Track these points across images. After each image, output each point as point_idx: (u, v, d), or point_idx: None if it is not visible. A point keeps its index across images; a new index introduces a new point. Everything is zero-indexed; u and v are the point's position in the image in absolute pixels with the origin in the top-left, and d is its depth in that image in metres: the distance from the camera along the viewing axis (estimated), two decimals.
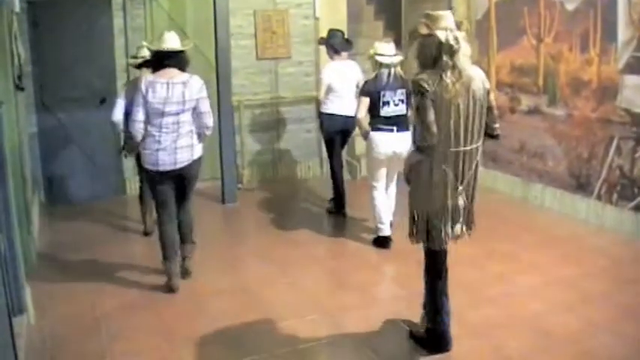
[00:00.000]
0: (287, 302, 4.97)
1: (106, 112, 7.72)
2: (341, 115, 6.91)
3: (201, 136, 5.15)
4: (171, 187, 5.17)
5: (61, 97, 7.59)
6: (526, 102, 7.34)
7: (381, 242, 6.07)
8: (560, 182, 6.93)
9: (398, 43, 10.42)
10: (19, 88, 6.07)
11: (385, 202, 6.08)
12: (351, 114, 6.87)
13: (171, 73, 4.94)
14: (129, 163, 7.94)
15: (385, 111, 5.79)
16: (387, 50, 5.87)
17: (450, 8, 8.51)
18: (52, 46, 7.48)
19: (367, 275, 5.48)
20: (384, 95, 5.77)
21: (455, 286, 4.86)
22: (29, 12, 7.27)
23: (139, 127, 4.92)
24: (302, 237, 6.50)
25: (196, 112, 5.02)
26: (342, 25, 8.49)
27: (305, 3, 8.57)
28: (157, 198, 5.23)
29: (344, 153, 7.44)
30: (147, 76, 4.97)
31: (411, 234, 4.06)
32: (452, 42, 3.67)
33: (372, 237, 6.19)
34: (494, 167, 7.82)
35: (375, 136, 5.80)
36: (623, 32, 6.06)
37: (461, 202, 3.88)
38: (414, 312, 4.32)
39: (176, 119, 4.92)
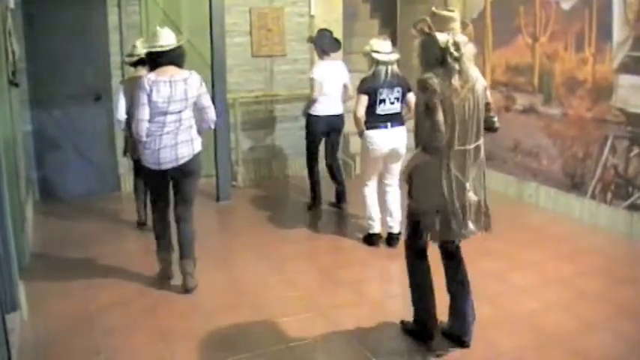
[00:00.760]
0: (281, 299, 4.97)
1: (101, 109, 7.79)
2: (327, 116, 6.94)
3: (203, 131, 5.14)
4: (169, 183, 5.14)
5: (56, 94, 7.57)
6: (521, 101, 7.35)
7: (372, 240, 6.07)
8: (555, 181, 6.95)
9: (393, 41, 10.47)
10: (13, 84, 6.05)
11: (376, 200, 6.07)
12: (337, 113, 6.97)
13: (172, 71, 4.89)
14: (123, 160, 7.93)
15: (381, 109, 5.79)
16: (383, 47, 5.86)
17: (447, 8, 8.51)
18: (46, 43, 7.45)
19: (361, 273, 5.48)
20: (381, 93, 5.77)
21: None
22: (24, 8, 7.23)
23: (145, 127, 4.85)
24: (296, 234, 6.50)
25: (198, 108, 5.00)
26: (337, 23, 8.50)
27: (300, 1, 8.57)
28: (153, 193, 5.22)
29: (339, 152, 7.46)
30: (148, 75, 4.90)
31: (410, 232, 4.09)
32: (451, 48, 3.66)
33: (358, 235, 6.20)
34: (489, 166, 7.73)
35: (371, 133, 5.80)
36: (618, 32, 6.07)
37: (473, 198, 3.89)
38: (409, 309, 4.32)
39: (178, 117, 4.89)
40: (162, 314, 4.75)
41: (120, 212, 7.26)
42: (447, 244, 4.07)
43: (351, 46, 9.77)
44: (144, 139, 4.89)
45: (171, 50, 4.90)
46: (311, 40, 7.17)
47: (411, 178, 3.98)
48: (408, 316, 4.31)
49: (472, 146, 3.83)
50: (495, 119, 4.07)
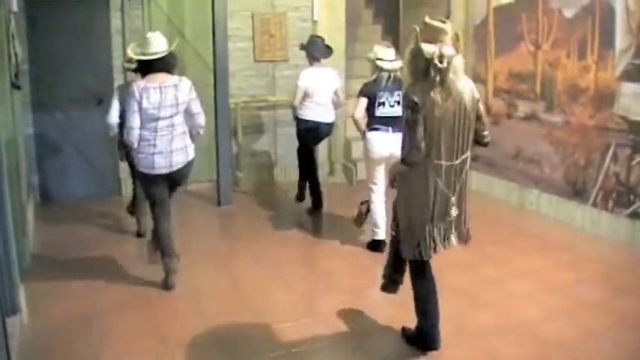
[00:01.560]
0: (281, 304, 4.96)
1: (103, 113, 7.77)
2: (317, 122, 6.95)
3: (193, 137, 5.17)
4: (166, 187, 5.18)
5: (58, 97, 7.58)
6: (523, 108, 7.35)
7: (376, 246, 6.06)
8: (557, 189, 6.94)
9: (396, 47, 10.47)
10: (15, 86, 6.05)
11: (382, 206, 6.06)
12: (328, 120, 6.98)
13: (162, 77, 4.92)
14: (124, 164, 7.93)
15: (381, 111, 5.80)
16: (387, 55, 5.88)
17: (449, 13, 8.53)
18: (49, 46, 7.46)
19: (361, 278, 5.46)
20: (380, 97, 5.78)
21: (450, 291, 4.88)
22: (27, 11, 7.24)
23: (136, 135, 4.90)
24: (297, 239, 6.49)
25: (188, 113, 5.05)
26: (340, 28, 8.51)
27: (303, 6, 8.57)
28: (152, 199, 5.23)
29: (340, 157, 7.47)
30: (138, 82, 4.92)
31: (393, 242, 4.13)
32: (436, 60, 3.63)
33: (367, 240, 6.18)
34: (491, 173, 7.83)
35: (371, 135, 5.82)
36: (620, 40, 6.07)
37: (453, 212, 3.88)
38: (409, 315, 4.31)
39: (170, 122, 4.93)
40: (163, 318, 4.74)
41: (120, 216, 7.25)
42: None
43: (354, 51, 9.78)
44: (135, 145, 4.95)
45: (162, 57, 4.94)
46: (302, 47, 7.15)
47: (397, 188, 4.00)
48: (409, 322, 4.30)
49: (458, 161, 3.81)
50: (485, 133, 4.00)
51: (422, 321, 4.17)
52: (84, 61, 7.64)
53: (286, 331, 4.51)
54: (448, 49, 3.70)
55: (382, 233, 6.04)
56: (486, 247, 6.00)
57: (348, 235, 6.58)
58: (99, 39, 7.70)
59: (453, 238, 3.97)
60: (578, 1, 6.48)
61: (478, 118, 3.90)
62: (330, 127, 7.09)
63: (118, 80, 7.72)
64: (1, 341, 3.52)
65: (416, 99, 3.65)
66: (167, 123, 4.92)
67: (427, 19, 3.81)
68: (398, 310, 4.70)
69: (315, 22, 8.60)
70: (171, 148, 4.95)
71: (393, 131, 5.76)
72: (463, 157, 3.83)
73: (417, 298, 4.18)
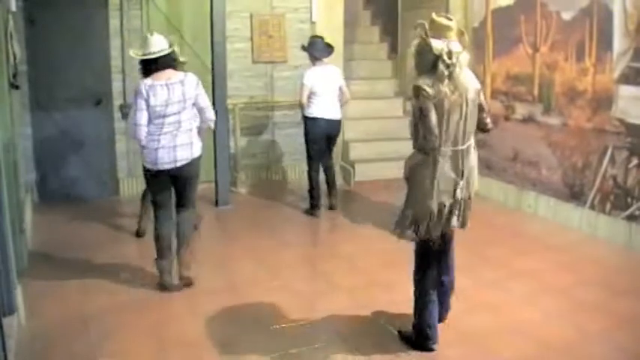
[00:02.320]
0: (279, 305, 4.95)
1: (101, 113, 7.79)
2: (324, 119, 7.10)
3: (201, 133, 5.20)
4: (170, 188, 5.17)
5: (56, 97, 7.59)
6: (521, 110, 7.36)
7: None
8: (554, 191, 6.95)
9: (394, 48, 10.51)
10: (14, 86, 6.05)
11: None
12: (335, 118, 7.10)
13: (168, 74, 4.96)
14: (123, 164, 7.94)
15: None
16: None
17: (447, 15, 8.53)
18: (47, 46, 7.46)
19: (360, 279, 5.46)
20: None
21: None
22: (25, 11, 7.25)
23: (143, 132, 4.92)
24: (294, 240, 6.50)
25: (196, 108, 5.08)
26: (338, 29, 8.53)
27: (302, 7, 8.58)
28: (154, 197, 5.23)
29: (338, 158, 7.48)
30: (145, 80, 4.94)
31: (401, 229, 4.16)
32: (444, 55, 3.81)
33: (364, 240, 6.19)
34: (489, 175, 7.83)
35: None
36: (618, 42, 6.08)
37: (459, 194, 4.03)
38: (407, 317, 4.32)
39: (177, 118, 4.95)
40: (160, 319, 4.74)
41: (118, 216, 7.25)
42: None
43: (353, 52, 9.81)
44: (143, 142, 4.97)
45: (164, 55, 4.98)
46: (304, 48, 7.29)
47: (409, 178, 4.11)
48: (408, 323, 4.31)
49: (464, 147, 3.99)
50: (488, 120, 4.22)
51: (419, 319, 4.19)
52: (82, 62, 7.64)
53: (284, 331, 4.51)
54: (455, 45, 3.88)
55: None
56: (484, 248, 6.01)
57: (345, 237, 6.59)
58: (97, 39, 7.71)
59: (454, 221, 4.09)
60: (577, 3, 6.49)
61: (480, 106, 4.10)
62: (338, 123, 7.25)
63: (117, 81, 7.76)
64: None
65: (427, 88, 3.83)
66: (174, 119, 4.94)
67: (434, 16, 3.98)
68: (396, 312, 4.71)
69: (313, 23, 8.62)
70: (175, 143, 4.96)
71: None
72: (468, 143, 4.03)
73: (417, 295, 4.21)
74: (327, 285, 5.39)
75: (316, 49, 7.15)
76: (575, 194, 6.68)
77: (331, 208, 7.43)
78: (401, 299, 4.59)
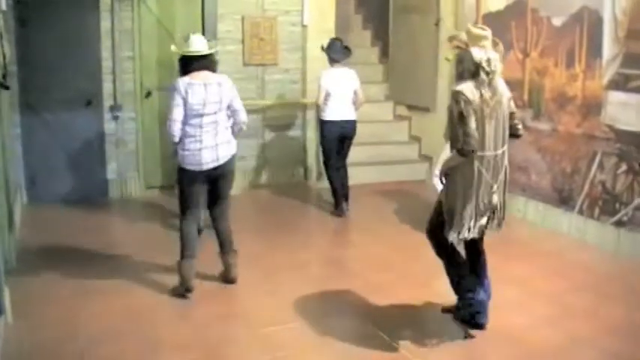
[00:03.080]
0: (268, 308, 4.96)
1: (91, 115, 7.77)
2: (339, 121, 7.22)
3: (235, 133, 5.30)
4: (205, 187, 5.26)
5: (46, 98, 7.54)
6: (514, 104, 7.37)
7: None
8: (543, 196, 6.98)
9: (385, 53, 10.53)
10: (3, 86, 6.02)
11: None
12: (349, 119, 7.23)
13: (205, 75, 5.06)
14: (113, 166, 7.91)
15: None
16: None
17: (438, 20, 8.58)
18: (38, 46, 7.42)
19: (349, 283, 5.45)
20: None
21: (437, 297, 4.91)
22: (16, 10, 7.21)
23: (178, 127, 5.00)
24: (286, 243, 6.48)
25: (231, 110, 5.19)
26: (330, 33, 8.52)
27: (293, 10, 8.57)
28: (190, 198, 5.25)
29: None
30: (183, 77, 5.04)
31: (436, 229, 4.40)
32: (484, 64, 4.07)
33: (356, 244, 6.19)
34: None
35: None
36: (608, 49, 6.12)
37: (495, 199, 4.25)
38: (397, 321, 4.33)
39: (214, 118, 5.05)
40: (150, 323, 4.72)
41: (107, 218, 7.23)
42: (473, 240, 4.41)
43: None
44: (176, 139, 5.05)
45: (203, 56, 5.10)
46: (323, 49, 7.43)
47: (446, 179, 4.31)
48: (395, 329, 4.32)
49: (500, 151, 4.22)
50: (520, 126, 4.48)
51: (465, 301, 4.43)
52: (73, 62, 7.61)
53: (273, 335, 4.51)
54: (493, 54, 4.16)
55: None
56: None
57: (337, 240, 6.59)
58: (88, 40, 7.68)
59: (495, 223, 4.35)
60: (567, 9, 6.53)
61: (511, 113, 4.34)
62: (353, 124, 7.34)
63: (107, 82, 7.73)
64: None
65: (468, 93, 4.05)
66: (211, 119, 5.04)
67: (470, 27, 4.33)
68: (386, 317, 4.73)
69: (304, 27, 8.61)
70: (216, 142, 5.07)
71: None
72: (503, 149, 4.25)
73: (458, 280, 4.48)
74: (317, 288, 5.38)
75: (334, 50, 7.30)
76: (564, 199, 6.71)
77: (341, 210, 7.42)
78: (396, 306, 4.62)
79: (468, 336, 4.42)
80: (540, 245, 6.43)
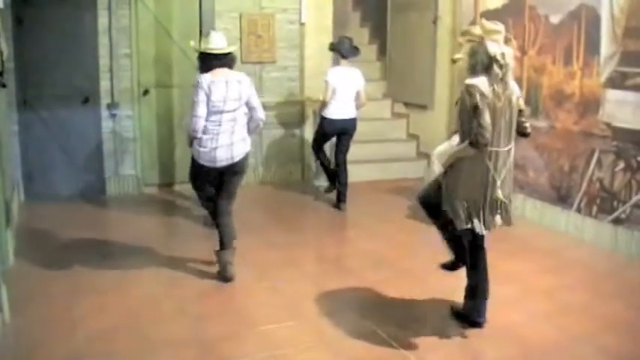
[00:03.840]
0: (265, 306, 4.96)
1: (89, 112, 7.76)
2: (341, 119, 7.31)
3: (252, 130, 5.43)
4: (216, 182, 5.41)
5: (43, 95, 7.54)
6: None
7: None
8: (541, 194, 6.98)
9: (383, 50, 10.53)
10: (1, 84, 6.01)
11: None
12: (350, 117, 7.29)
13: (225, 72, 5.17)
14: (110, 163, 7.90)
15: None
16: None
17: (436, 17, 8.58)
18: (35, 43, 7.42)
19: (346, 281, 5.46)
20: None
21: (432, 295, 4.92)
22: (13, 8, 7.20)
23: (201, 124, 5.10)
24: (282, 241, 6.48)
25: (249, 107, 5.30)
26: (327, 31, 8.53)
27: (291, 8, 8.56)
28: (206, 193, 5.47)
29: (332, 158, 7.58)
30: (205, 75, 5.14)
31: (447, 222, 4.45)
32: (499, 57, 4.07)
33: (352, 241, 6.19)
34: None
35: None
36: (606, 47, 6.11)
37: (499, 194, 4.27)
38: (395, 318, 4.33)
39: (233, 116, 5.16)
40: (147, 320, 4.71)
41: (105, 216, 7.22)
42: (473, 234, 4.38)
43: None
44: (199, 135, 5.14)
45: (227, 54, 5.23)
46: (332, 47, 7.50)
47: (451, 167, 4.31)
48: (392, 327, 4.32)
49: (506, 148, 4.25)
50: (527, 125, 4.48)
51: (476, 295, 4.46)
52: (70, 60, 7.61)
53: (270, 333, 4.50)
54: (507, 49, 4.17)
55: None
56: None
57: (335, 238, 6.59)
58: (85, 38, 7.67)
59: (498, 219, 4.35)
60: (565, 7, 6.53)
61: (520, 111, 4.35)
62: (353, 121, 7.42)
63: (104, 80, 7.73)
64: None
65: (482, 87, 4.06)
66: (230, 117, 5.15)
67: (484, 22, 4.27)
68: (383, 314, 4.72)
69: (302, 24, 8.61)
70: (232, 140, 5.18)
71: None
72: (510, 145, 4.28)
73: (477, 273, 4.50)
74: (314, 286, 5.38)
75: (344, 47, 7.35)
76: (561, 197, 6.72)
77: (338, 204, 7.52)
78: (392, 303, 4.61)
79: (464, 335, 4.43)
80: (538, 243, 6.43)
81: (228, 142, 5.16)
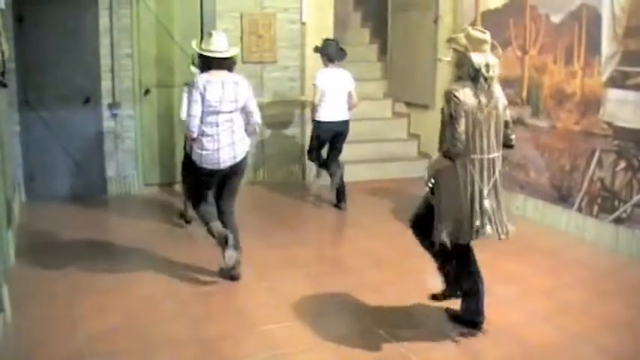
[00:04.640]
0: (265, 307, 4.96)
1: (90, 112, 7.76)
2: (333, 122, 7.24)
3: (249, 133, 5.40)
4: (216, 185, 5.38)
5: (45, 95, 7.54)
6: (509, 113, 7.34)
7: None
8: (542, 193, 6.98)
9: (383, 51, 10.53)
10: (2, 84, 6.01)
11: None
12: (342, 119, 7.23)
13: (223, 74, 5.17)
14: (111, 163, 7.91)
15: None
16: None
17: (437, 17, 8.58)
18: (36, 43, 7.42)
19: (346, 281, 5.46)
20: None
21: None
22: (14, 8, 7.20)
23: (196, 123, 5.07)
24: (283, 241, 6.48)
25: (245, 111, 5.28)
26: (328, 31, 8.53)
27: (292, 8, 8.56)
28: (202, 195, 5.39)
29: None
30: (202, 74, 5.17)
31: (422, 224, 4.44)
32: (483, 70, 4.04)
33: (352, 241, 6.19)
34: None
35: None
36: (607, 46, 6.11)
37: (487, 204, 4.17)
38: (395, 318, 4.33)
39: (230, 117, 5.15)
40: (147, 320, 4.72)
41: (106, 216, 7.23)
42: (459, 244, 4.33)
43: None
44: (195, 135, 5.11)
45: (227, 57, 5.22)
46: (317, 49, 7.42)
47: (434, 182, 4.29)
48: (393, 326, 4.32)
49: (492, 156, 4.17)
50: (512, 137, 4.40)
51: (471, 300, 4.45)
52: (71, 60, 7.61)
53: (270, 333, 4.51)
54: (492, 59, 4.12)
55: None
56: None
57: (334, 238, 6.59)
58: (87, 38, 7.67)
59: (489, 229, 4.20)
60: (566, 7, 6.53)
61: (506, 122, 4.29)
62: (346, 123, 7.37)
63: (106, 80, 7.74)
64: None
65: (459, 94, 4.03)
66: (227, 118, 5.13)
67: (470, 30, 4.21)
68: (383, 314, 4.72)
69: (303, 24, 8.61)
70: (233, 140, 5.17)
71: None
72: (495, 154, 4.20)
73: (468, 279, 4.47)
74: (314, 286, 5.38)
75: (331, 51, 7.30)
76: (562, 197, 6.71)
77: (339, 203, 7.52)
78: (392, 303, 4.60)
79: (463, 334, 4.43)
80: (539, 242, 6.43)
81: (229, 141, 5.15)
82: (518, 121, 7.21)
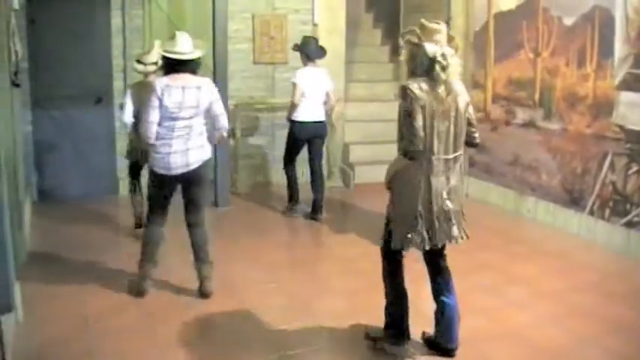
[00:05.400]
0: (276, 307, 4.96)
1: (101, 112, 7.80)
2: (310, 122, 7.05)
3: (213, 140, 5.16)
4: (173, 194, 5.12)
5: (57, 95, 7.59)
6: (521, 115, 7.36)
7: None
8: (554, 196, 6.95)
9: (396, 52, 10.48)
10: (15, 84, 6.05)
11: None
12: (319, 120, 7.06)
13: (185, 78, 4.87)
14: (122, 163, 7.93)
15: None
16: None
17: (449, 19, 8.55)
18: (49, 44, 7.47)
19: (357, 281, 5.45)
20: None
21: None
22: (27, 8, 7.25)
23: (154, 129, 4.83)
24: (293, 242, 6.50)
25: (211, 115, 5.01)
26: (340, 32, 8.53)
27: (303, 9, 8.58)
28: (156, 202, 5.14)
29: (338, 161, 7.49)
30: (161, 79, 4.90)
31: (386, 236, 4.14)
32: (439, 58, 3.77)
33: (362, 242, 6.17)
34: (488, 179, 7.85)
35: None
36: (619, 49, 6.08)
37: (449, 206, 3.94)
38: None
39: (189, 123, 4.88)
40: (157, 320, 4.73)
41: (117, 216, 7.25)
42: (430, 251, 4.08)
43: (354, 55, 9.79)
44: (152, 141, 4.86)
45: (190, 60, 4.88)
46: (296, 47, 7.22)
47: (391, 185, 4.04)
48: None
49: (452, 156, 3.92)
50: (476, 135, 4.13)
51: (393, 314, 4.24)
52: (83, 60, 7.66)
53: (281, 333, 4.51)
54: (448, 50, 3.84)
55: None
56: (481, 253, 6.00)
57: (344, 239, 6.58)
58: (99, 38, 7.72)
59: (455, 231, 3.99)
60: (578, 9, 6.50)
61: (469, 120, 4.03)
62: (323, 125, 7.18)
63: (117, 80, 7.77)
64: None
65: (414, 89, 3.78)
66: (185, 124, 4.87)
67: (424, 21, 3.96)
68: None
69: (315, 25, 8.61)
70: (187, 147, 4.89)
71: None
72: (456, 154, 3.95)
73: (389, 289, 4.26)
74: (325, 287, 5.39)
75: (310, 49, 7.08)
76: (574, 200, 6.69)
77: (314, 215, 7.24)
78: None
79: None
80: (549, 245, 6.41)
81: (182, 148, 4.87)
82: (531, 124, 7.21)
